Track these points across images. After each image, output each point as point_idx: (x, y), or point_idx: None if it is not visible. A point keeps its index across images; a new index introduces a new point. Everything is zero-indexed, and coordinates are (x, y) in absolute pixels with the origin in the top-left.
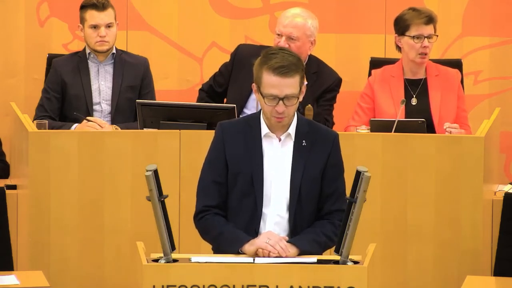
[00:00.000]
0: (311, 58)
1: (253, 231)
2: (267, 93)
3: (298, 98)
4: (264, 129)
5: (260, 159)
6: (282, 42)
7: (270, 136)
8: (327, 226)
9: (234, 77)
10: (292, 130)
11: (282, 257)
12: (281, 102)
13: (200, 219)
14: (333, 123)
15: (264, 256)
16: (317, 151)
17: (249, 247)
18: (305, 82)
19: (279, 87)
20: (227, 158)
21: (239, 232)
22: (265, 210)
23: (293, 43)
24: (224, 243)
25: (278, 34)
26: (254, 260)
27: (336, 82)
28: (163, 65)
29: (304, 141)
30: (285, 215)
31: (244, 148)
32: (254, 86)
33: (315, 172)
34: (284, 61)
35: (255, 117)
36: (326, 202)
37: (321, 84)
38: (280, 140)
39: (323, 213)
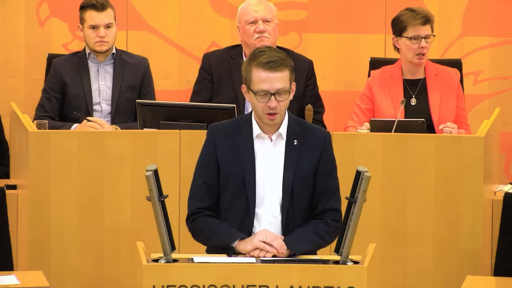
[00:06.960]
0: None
1: (246, 232)
2: (258, 89)
3: (289, 94)
4: (256, 130)
5: (252, 160)
6: (261, 26)
7: (262, 137)
8: (320, 226)
9: (218, 84)
10: (283, 130)
11: (279, 252)
12: (272, 97)
13: (193, 221)
14: (323, 111)
15: (260, 256)
16: (308, 150)
17: (244, 245)
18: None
19: (270, 82)
20: (219, 160)
21: (233, 229)
22: (258, 210)
23: (269, 26)
24: (217, 239)
25: (252, 22)
26: (254, 258)
27: (310, 67)
28: (163, 65)
29: (295, 140)
30: (279, 215)
31: (235, 149)
32: (243, 87)
33: (307, 171)
34: (272, 56)
35: (246, 118)
36: (319, 201)
37: (298, 74)
38: (271, 140)
39: (316, 212)
